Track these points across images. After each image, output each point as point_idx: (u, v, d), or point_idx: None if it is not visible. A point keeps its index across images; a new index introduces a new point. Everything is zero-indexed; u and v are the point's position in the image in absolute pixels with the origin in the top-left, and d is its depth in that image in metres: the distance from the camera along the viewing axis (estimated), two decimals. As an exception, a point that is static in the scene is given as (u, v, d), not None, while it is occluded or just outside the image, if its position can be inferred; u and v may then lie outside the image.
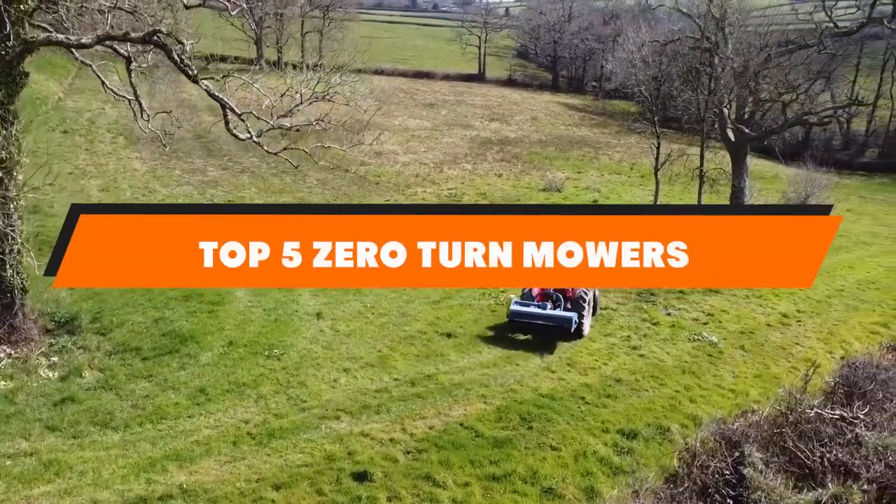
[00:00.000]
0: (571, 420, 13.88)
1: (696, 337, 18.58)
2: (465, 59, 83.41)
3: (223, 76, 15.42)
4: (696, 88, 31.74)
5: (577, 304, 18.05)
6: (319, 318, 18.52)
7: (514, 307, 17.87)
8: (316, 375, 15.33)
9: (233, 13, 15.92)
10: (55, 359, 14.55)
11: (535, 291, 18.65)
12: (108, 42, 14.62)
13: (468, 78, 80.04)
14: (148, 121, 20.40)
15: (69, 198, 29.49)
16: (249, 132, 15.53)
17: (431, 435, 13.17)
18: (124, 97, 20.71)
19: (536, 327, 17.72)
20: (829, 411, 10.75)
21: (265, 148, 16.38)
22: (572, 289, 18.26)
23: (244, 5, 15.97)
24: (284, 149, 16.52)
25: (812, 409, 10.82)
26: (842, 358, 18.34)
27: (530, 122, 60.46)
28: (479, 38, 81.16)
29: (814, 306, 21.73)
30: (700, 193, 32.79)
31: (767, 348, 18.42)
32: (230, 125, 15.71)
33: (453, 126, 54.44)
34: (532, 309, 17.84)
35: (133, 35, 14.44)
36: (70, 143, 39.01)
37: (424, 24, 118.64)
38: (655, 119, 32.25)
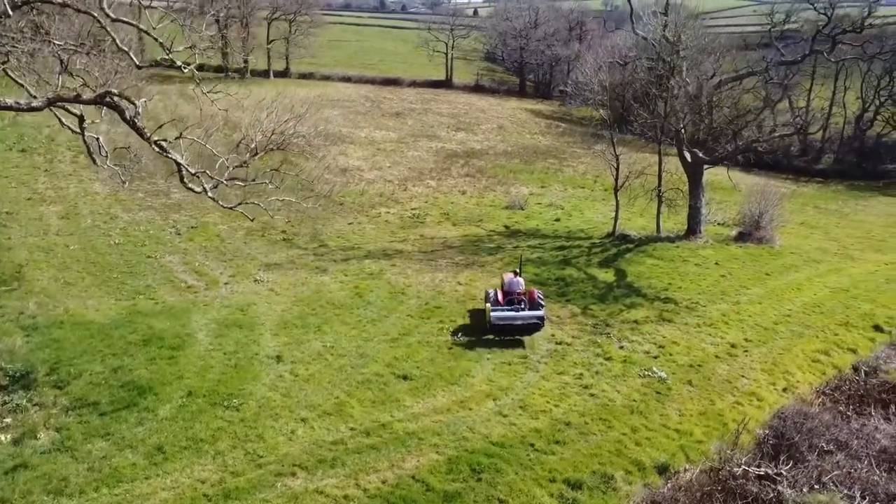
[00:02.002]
0: (520, 469, 14.41)
1: (646, 373, 19.24)
2: (432, 64, 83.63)
3: (176, 137, 15.56)
4: (653, 111, 32.59)
5: (534, 304, 21.10)
6: (279, 361, 18.79)
7: (494, 314, 20.34)
8: (274, 427, 15.63)
9: (184, 71, 16.02)
10: (8, 420, 14.63)
11: (500, 296, 21.40)
12: (59, 103, 14.71)
13: (436, 84, 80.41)
14: (106, 157, 20.38)
15: (27, 227, 29.28)
16: (204, 187, 15.73)
17: (384, 490, 13.59)
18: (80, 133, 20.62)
19: (516, 327, 20.40)
20: (755, 468, 11.40)
21: (220, 202, 16.59)
22: (531, 293, 21.63)
23: (193, 72, 16.07)
24: (239, 203, 16.75)
25: (740, 467, 11.46)
26: (784, 389, 19.26)
27: (496, 131, 61.04)
28: (447, 44, 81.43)
29: (761, 334, 22.56)
30: (658, 214, 33.71)
31: (714, 382, 19.16)
32: (185, 179, 15.89)
33: (419, 137, 54.74)
34: (510, 313, 20.47)
35: (84, 97, 14.54)
36: (28, 164, 38.48)
37: (393, 27, 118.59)
38: (614, 140, 33.02)
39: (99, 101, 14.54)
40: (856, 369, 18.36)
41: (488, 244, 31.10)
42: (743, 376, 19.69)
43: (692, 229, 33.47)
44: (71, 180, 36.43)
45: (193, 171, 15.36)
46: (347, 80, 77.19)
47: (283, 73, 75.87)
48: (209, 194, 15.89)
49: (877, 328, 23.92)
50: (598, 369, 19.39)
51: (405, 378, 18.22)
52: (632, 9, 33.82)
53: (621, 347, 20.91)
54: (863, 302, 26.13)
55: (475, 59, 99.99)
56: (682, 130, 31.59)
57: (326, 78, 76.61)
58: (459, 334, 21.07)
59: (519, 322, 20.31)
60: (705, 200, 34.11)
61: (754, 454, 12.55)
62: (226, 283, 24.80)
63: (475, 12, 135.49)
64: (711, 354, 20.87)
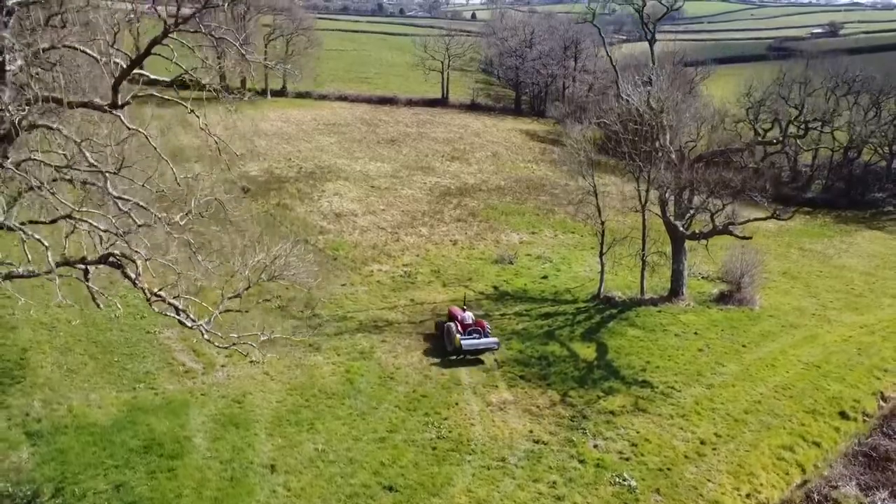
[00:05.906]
0: None
1: (616, 479, 20.42)
2: (428, 81, 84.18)
3: (175, 296, 16.63)
4: (637, 178, 33.57)
5: (486, 332, 27.46)
6: (273, 471, 19.94)
7: (464, 341, 26.52)
8: (265, 556, 16.84)
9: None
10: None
11: (460, 327, 27.04)
12: (66, 265, 15.74)
13: (431, 103, 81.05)
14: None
15: (30, 295, 30.25)
16: (202, 332, 16.82)
17: None
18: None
19: (479, 351, 26.91)
20: None
21: (216, 344, 17.69)
22: (481, 322, 27.90)
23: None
24: (233, 344, 17.85)
25: None
26: (747, 496, 20.45)
27: (491, 159, 61.88)
28: (442, 63, 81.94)
29: (731, 427, 23.68)
30: (643, 277, 34.78)
31: (681, 489, 20.37)
32: (181, 322, 16.95)
33: (414, 171, 55.62)
34: (476, 340, 26.83)
35: (89, 259, 15.58)
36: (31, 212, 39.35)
37: (390, 34, 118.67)
38: (600, 209, 34.03)
39: (102, 261, 15.59)
40: (808, 497, 19.56)
41: (476, 311, 32.11)
42: (709, 480, 20.90)
43: (675, 291, 34.58)
44: (72, 235, 37.30)
45: (191, 325, 16.43)
46: (344, 98, 77.86)
47: (281, 93, 76.50)
48: (206, 337, 16.96)
49: (843, 415, 25.14)
50: (571, 475, 20.57)
51: (390, 489, 19.43)
52: (617, 74, 34.68)
53: (595, 446, 22.09)
54: (833, 381, 27.26)
55: (472, 69, 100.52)
56: (666, 199, 32.61)
57: (323, 97, 77.28)
58: (443, 430, 22.33)
59: (482, 346, 26.91)
60: (687, 263, 35.19)
61: None
62: (222, 366, 25.86)
63: (473, 16, 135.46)
64: (681, 454, 22.04)
